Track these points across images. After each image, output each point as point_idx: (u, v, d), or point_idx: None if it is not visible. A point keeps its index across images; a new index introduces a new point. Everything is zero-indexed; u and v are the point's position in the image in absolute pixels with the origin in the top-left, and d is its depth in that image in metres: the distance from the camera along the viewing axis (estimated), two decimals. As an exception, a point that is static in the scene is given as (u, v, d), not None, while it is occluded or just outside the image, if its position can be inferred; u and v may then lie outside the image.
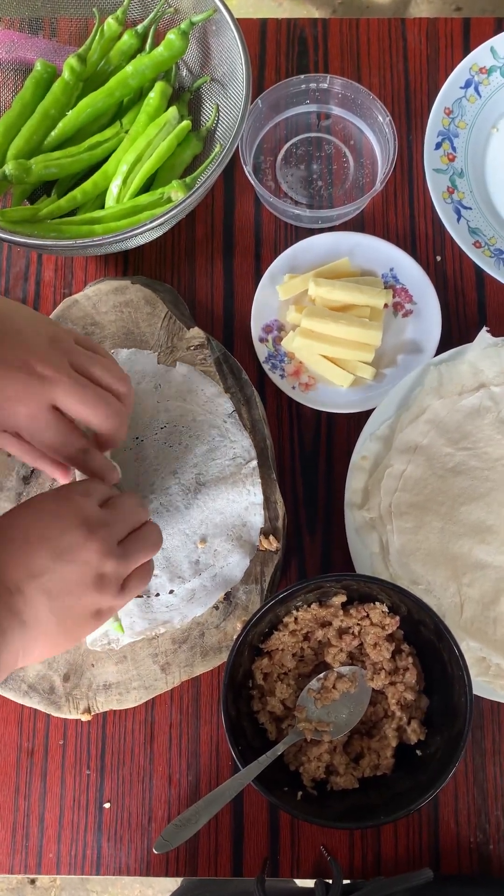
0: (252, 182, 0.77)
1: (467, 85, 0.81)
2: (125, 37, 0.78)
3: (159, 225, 0.69)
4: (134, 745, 0.70)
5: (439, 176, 0.79)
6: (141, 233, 0.69)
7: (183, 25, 0.76)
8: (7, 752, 0.70)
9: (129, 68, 0.77)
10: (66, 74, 0.76)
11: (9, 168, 0.74)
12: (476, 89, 0.82)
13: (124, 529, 0.57)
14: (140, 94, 0.80)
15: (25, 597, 0.51)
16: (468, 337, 0.76)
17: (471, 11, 1.83)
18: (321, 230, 0.80)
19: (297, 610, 0.66)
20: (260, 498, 0.70)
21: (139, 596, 0.68)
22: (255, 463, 0.70)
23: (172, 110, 0.76)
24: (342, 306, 0.76)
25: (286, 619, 0.65)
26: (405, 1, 1.85)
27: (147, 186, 0.78)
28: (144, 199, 0.75)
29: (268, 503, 0.70)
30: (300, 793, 0.63)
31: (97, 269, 0.80)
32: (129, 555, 0.56)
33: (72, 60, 0.75)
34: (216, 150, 0.74)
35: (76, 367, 0.58)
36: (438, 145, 0.80)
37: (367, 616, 0.65)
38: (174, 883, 0.94)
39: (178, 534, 0.69)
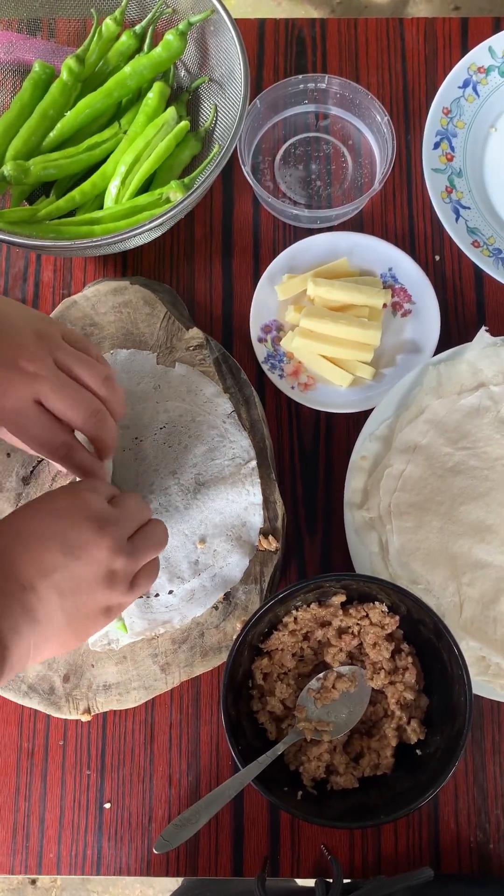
0: (250, 182, 0.77)
1: (465, 84, 0.81)
2: (123, 37, 0.78)
3: (158, 225, 0.69)
4: (134, 745, 0.70)
5: (438, 176, 0.79)
6: (140, 233, 0.69)
7: (181, 26, 0.76)
8: (7, 752, 0.70)
9: (127, 69, 0.77)
10: (64, 75, 0.76)
11: (7, 169, 0.74)
12: (474, 89, 0.82)
13: (132, 527, 0.57)
14: (138, 95, 0.80)
15: (38, 594, 0.51)
16: (467, 336, 0.76)
17: (469, 11, 1.83)
18: (320, 230, 0.81)
19: (297, 610, 0.66)
20: (259, 498, 0.70)
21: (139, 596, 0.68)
22: (254, 463, 0.71)
23: (171, 111, 0.76)
24: (341, 306, 0.76)
25: (286, 619, 0.66)
26: (404, 0, 1.85)
27: (146, 187, 0.78)
28: (143, 199, 0.75)
29: (267, 503, 0.70)
30: (300, 792, 0.63)
31: (96, 269, 0.80)
32: (137, 552, 0.56)
33: (70, 61, 0.75)
34: (214, 150, 0.74)
35: (60, 364, 0.58)
36: (437, 145, 0.80)
37: (367, 616, 0.65)
38: (175, 883, 0.94)
39: (177, 534, 0.70)
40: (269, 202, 0.79)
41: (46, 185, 0.79)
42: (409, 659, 0.65)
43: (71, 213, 0.77)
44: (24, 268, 0.81)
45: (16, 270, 0.80)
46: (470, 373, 0.73)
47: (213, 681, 0.71)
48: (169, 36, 0.76)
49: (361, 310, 0.76)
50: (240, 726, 0.62)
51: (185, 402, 0.72)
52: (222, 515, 0.70)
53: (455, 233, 0.77)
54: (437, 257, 0.80)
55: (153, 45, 0.78)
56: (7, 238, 0.68)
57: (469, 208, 0.79)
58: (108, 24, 0.77)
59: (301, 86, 0.81)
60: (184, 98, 0.80)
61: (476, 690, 0.66)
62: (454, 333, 0.78)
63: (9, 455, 0.71)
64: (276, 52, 0.86)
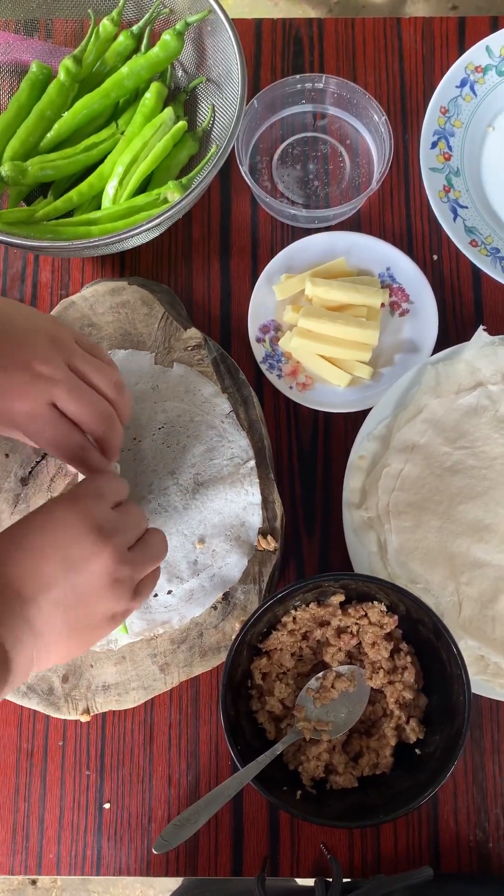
0: (248, 182, 0.77)
1: (463, 84, 0.81)
2: (120, 38, 0.78)
3: (156, 226, 0.69)
4: (133, 745, 0.70)
5: (435, 175, 0.79)
6: (137, 234, 0.69)
7: (178, 26, 0.76)
8: (7, 753, 0.70)
9: (124, 69, 0.77)
10: (61, 76, 0.76)
11: (5, 170, 0.74)
12: (472, 88, 0.82)
13: (134, 535, 0.57)
14: (136, 95, 0.80)
15: (39, 607, 0.51)
16: (465, 336, 0.76)
17: (466, 10, 1.83)
18: (318, 230, 0.81)
19: (296, 609, 0.66)
20: (258, 498, 0.70)
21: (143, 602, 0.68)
22: (252, 463, 0.71)
23: (168, 111, 0.76)
24: (339, 306, 0.76)
25: (284, 619, 0.66)
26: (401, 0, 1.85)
27: (143, 187, 0.78)
28: (141, 200, 0.75)
29: (266, 503, 0.70)
30: (299, 792, 0.63)
31: (94, 270, 0.80)
32: (139, 559, 0.56)
33: (67, 62, 0.75)
34: (212, 150, 0.74)
35: (73, 368, 0.59)
36: (434, 144, 0.80)
37: (366, 615, 0.65)
38: (175, 883, 0.94)
39: (176, 534, 0.70)
40: (267, 202, 0.79)
41: (44, 186, 0.79)
42: (408, 658, 0.65)
43: (69, 214, 0.77)
44: (22, 268, 0.81)
45: (14, 271, 0.81)
46: (468, 372, 0.73)
47: (213, 681, 0.71)
48: (166, 36, 0.76)
49: (359, 309, 0.76)
50: (239, 726, 0.62)
51: (183, 403, 0.72)
52: (221, 515, 0.70)
53: (453, 232, 0.77)
54: (435, 257, 0.80)
55: (150, 45, 0.78)
56: (5, 239, 0.68)
57: (467, 207, 0.79)
58: (106, 24, 0.77)
59: (298, 86, 0.81)
60: (181, 98, 0.80)
61: (475, 689, 0.66)
62: (452, 333, 0.78)
63: (7, 456, 0.71)
64: (274, 51, 0.86)
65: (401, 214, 0.81)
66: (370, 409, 0.73)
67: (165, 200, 0.74)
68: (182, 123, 0.77)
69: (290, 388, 0.75)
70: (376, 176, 0.78)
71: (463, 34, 0.86)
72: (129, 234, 0.69)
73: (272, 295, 0.77)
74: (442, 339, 0.76)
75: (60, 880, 1.52)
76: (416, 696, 0.65)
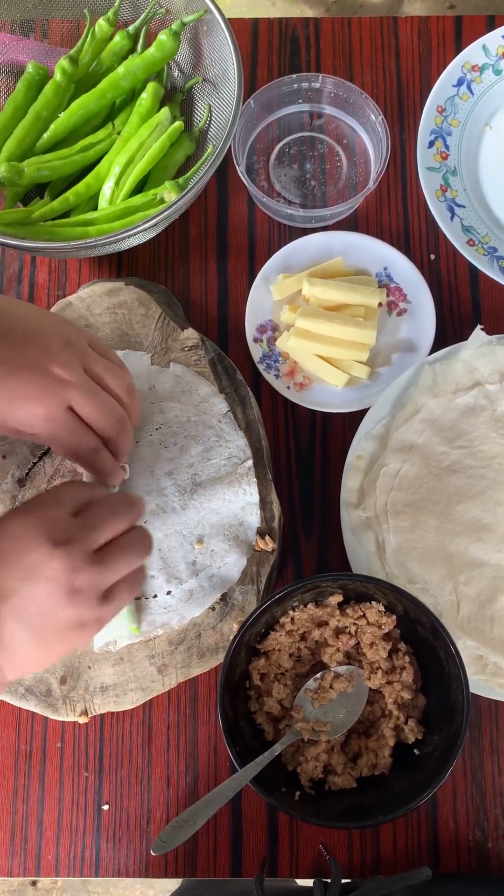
0: (245, 182, 0.77)
1: (460, 83, 0.81)
2: (116, 38, 0.78)
3: (152, 226, 0.69)
4: (132, 746, 0.70)
5: (432, 174, 0.79)
6: (134, 234, 0.69)
7: (174, 26, 0.76)
8: (5, 755, 0.70)
9: (120, 69, 0.77)
10: (57, 76, 0.76)
11: (1, 171, 0.73)
12: (468, 87, 0.82)
13: (101, 537, 0.55)
14: (132, 96, 0.80)
15: (0, 618, 0.51)
16: (462, 335, 0.76)
17: (464, 9, 1.83)
18: (315, 230, 0.80)
19: (294, 610, 0.66)
20: (256, 497, 0.70)
21: (136, 598, 0.68)
22: (250, 462, 0.70)
23: (164, 111, 0.76)
24: (336, 306, 0.76)
25: (283, 620, 0.65)
26: (398, -1, 1.85)
27: (140, 187, 0.77)
28: (137, 200, 0.75)
29: (263, 503, 0.70)
30: (298, 793, 0.63)
31: (91, 270, 0.80)
32: (107, 564, 0.54)
33: (63, 62, 0.75)
34: (209, 150, 0.74)
35: (88, 371, 0.59)
36: (431, 143, 0.80)
37: (364, 615, 0.65)
38: (175, 883, 0.94)
39: (174, 535, 0.69)
40: (264, 202, 0.79)
41: (40, 187, 0.79)
42: (407, 658, 0.65)
43: (65, 215, 0.77)
44: (19, 269, 0.81)
45: (10, 272, 0.80)
46: (465, 372, 0.73)
47: (211, 682, 0.71)
48: (162, 36, 0.76)
49: (357, 309, 0.76)
50: (237, 727, 0.62)
51: (180, 403, 0.72)
52: (219, 515, 0.70)
53: (450, 231, 0.77)
54: (433, 256, 0.80)
55: (146, 45, 0.78)
56: (1, 240, 0.68)
57: (464, 207, 0.79)
58: (102, 24, 0.77)
59: (295, 85, 0.81)
60: (178, 98, 0.80)
61: (473, 689, 0.66)
62: (449, 332, 0.78)
63: (4, 457, 0.71)
64: (270, 51, 0.85)
65: (398, 214, 0.81)
66: (368, 408, 0.73)
67: (162, 201, 0.74)
68: (178, 123, 0.77)
69: (288, 388, 0.75)
70: (373, 175, 0.78)
71: (460, 33, 0.86)
72: (126, 234, 0.68)
73: (269, 295, 0.77)
74: (439, 338, 0.76)
75: (60, 881, 1.52)
76: (415, 697, 0.65)
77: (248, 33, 0.86)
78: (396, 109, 0.84)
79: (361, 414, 0.74)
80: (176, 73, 0.82)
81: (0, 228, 0.73)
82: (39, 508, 0.55)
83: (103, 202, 0.76)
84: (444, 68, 0.81)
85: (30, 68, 0.77)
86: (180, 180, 0.74)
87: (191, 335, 0.74)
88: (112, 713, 0.70)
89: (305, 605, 0.66)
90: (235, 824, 0.69)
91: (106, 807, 0.69)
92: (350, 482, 0.72)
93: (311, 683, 0.65)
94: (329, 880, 0.63)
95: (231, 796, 0.60)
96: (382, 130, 0.78)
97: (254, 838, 0.69)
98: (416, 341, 0.76)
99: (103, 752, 0.70)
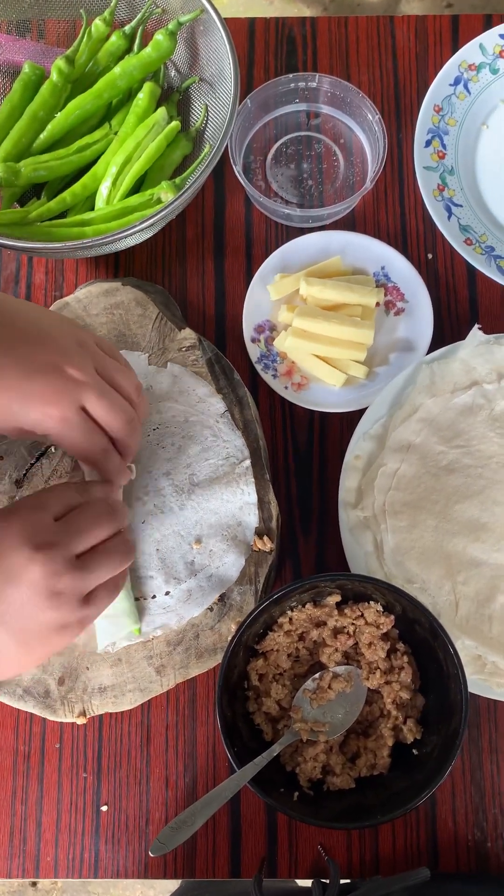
0: (242, 182, 0.77)
1: (456, 82, 0.81)
2: (113, 38, 0.78)
3: (149, 226, 0.69)
4: (130, 747, 0.70)
5: (429, 173, 0.79)
6: (131, 234, 0.69)
7: (170, 26, 0.76)
8: (3, 756, 0.70)
9: (117, 69, 0.77)
10: (54, 76, 0.76)
11: (-2, 171, 0.73)
12: (465, 86, 0.81)
13: (84, 542, 0.55)
14: (129, 96, 0.80)
15: None
16: (460, 335, 0.76)
17: (461, 8, 1.83)
18: (312, 229, 0.80)
19: (292, 610, 0.65)
20: (254, 497, 0.70)
21: (136, 599, 0.68)
22: (248, 462, 0.70)
23: (161, 111, 0.76)
24: (334, 305, 0.76)
25: (281, 620, 0.65)
26: (396, -2, 1.85)
27: (137, 188, 0.77)
28: (134, 200, 0.75)
29: (261, 504, 0.70)
30: (297, 793, 0.62)
31: (88, 271, 0.80)
32: (89, 568, 0.54)
33: (60, 62, 0.75)
34: (205, 150, 0.74)
35: (99, 371, 0.59)
36: (428, 143, 0.80)
37: (362, 615, 0.65)
38: (176, 884, 0.94)
39: (172, 535, 0.69)
40: (261, 202, 0.79)
41: (37, 187, 0.79)
42: (405, 658, 0.65)
43: (62, 215, 0.77)
44: (16, 270, 0.80)
45: (8, 273, 0.80)
46: (463, 371, 0.73)
47: (209, 682, 0.71)
48: (159, 36, 0.76)
49: (354, 309, 0.75)
50: (236, 728, 0.62)
51: (177, 403, 0.72)
52: (217, 515, 0.70)
53: (447, 231, 0.77)
54: (430, 255, 0.80)
55: (143, 45, 0.78)
56: (-2, 240, 0.68)
57: (461, 206, 0.79)
58: (98, 24, 0.77)
59: (292, 85, 0.81)
60: (174, 98, 0.80)
61: (472, 689, 0.66)
62: (447, 331, 0.78)
63: (1, 458, 0.71)
64: (267, 51, 0.85)
65: (395, 213, 0.81)
66: (366, 408, 0.73)
67: (159, 201, 0.74)
68: (175, 123, 0.77)
69: (286, 388, 0.75)
70: (370, 175, 0.78)
71: (456, 32, 0.86)
72: (123, 234, 0.68)
73: (267, 295, 0.77)
74: (437, 337, 0.76)
75: (60, 882, 1.52)
76: (413, 697, 0.65)
77: (245, 33, 0.85)
78: (393, 109, 0.84)
79: (359, 414, 0.74)
80: (172, 72, 0.81)
81: (-3, 229, 0.73)
82: (22, 512, 0.55)
83: (100, 202, 0.76)
84: (441, 67, 0.81)
85: (26, 68, 0.77)
86: (177, 180, 0.74)
87: (188, 335, 0.74)
88: (110, 714, 0.70)
89: (304, 606, 0.66)
90: (234, 825, 0.69)
91: (105, 808, 0.69)
92: (348, 482, 0.71)
93: (309, 684, 0.65)
94: (328, 881, 0.63)
95: (229, 797, 0.59)
96: (379, 130, 0.78)
97: (253, 839, 0.69)
98: (413, 341, 0.76)
99: (102, 753, 0.70)
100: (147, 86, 0.77)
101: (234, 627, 0.68)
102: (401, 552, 0.70)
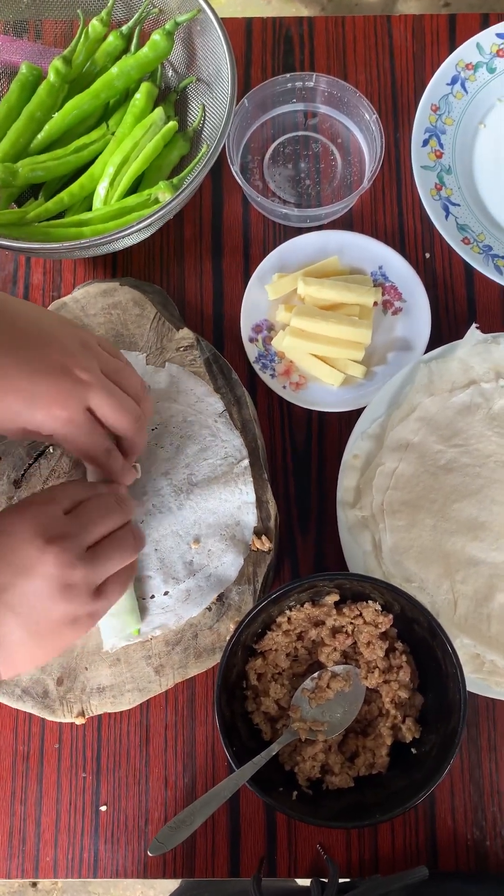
0: (239, 182, 0.77)
1: (454, 81, 0.81)
2: (110, 38, 0.78)
3: (147, 226, 0.69)
4: (129, 747, 0.70)
5: (427, 173, 0.79)
6: (129, 234, 0.69)
7: (167, 26, 0.76)
8: (2, 756, 0.70)
9: (114, 70, 0.77)
10: (51, 77, 0.76)
11: (-5, 171, 0.73)
12: (462, 85, 0.81)
13: (94, 534, 0.56)
14: (126, 96, 0.80)
15: None
16: (458, 334, 0.76)
17: (458, 7, 1.83)
18: (309, 229, 0.80)
19: (291, 609, 0.66)
20: (252, 497, 0.70)
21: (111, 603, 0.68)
22: (246, 462, 0.70)
23: (158, 111, 0.76)
24: (331, 305, 0.76)
25: (279, 619, 0.65)
26: (393, -3, 1.85)
27: (134, 188, 0.77)
28: (132, 200, 0.75)
29: (260, 503, 0.70)
30: (295, 792, 0.62)
31: (86, 271, 0.80)
32: (100, 560, 0.55)
33: (57, 62, 0.75)
34: (203, 150, 0.74)
35: (104, 371, 0.59)
36: (426, 142, 0.80)
37: (361, 615, 0.65)
38: (176, 883, 0.94)
39: (171, 535, 0.69)
40: (259, 201, 0.79)
41: (35, 188, 0.79)
42: (404, 657, 0.65)
43: (60, 215, 0.77)
44: (14, 270, 0.80)
45: (5, 273, 0.80)
46: (461, 370, 0.73)
47: (208, 682, 0.71)
48: (156, 36, 0.76)
49: (352, 308, 0.75)
50: (234, 727, 0.62)
51: (176, 403, 0.72)
52: (216, 515, 0.70)
53: (445, 230, 0.77)
54: (427, 255, 0.80)
55: (140, 45, 0.78)
56: (-5, 241, 0.68)
57: (459, 205, 0.79)
58: (95, 24, 0.77)
59: (289, 84, 0.81)
60: (171, 98, 0.80)
61: (471, 688, 0.66)
62: (445, 331, 0.78)
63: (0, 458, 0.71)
64: (264, 50, 0.85)
65: (393, 213, 0.81)
66: (364, 407, 0.73)
67: (156, 201, 0.74)
68: (172, 123, 0.77)
69: (284, 387, 0.75)
70: (368, 174, 0.78)
71: (454, 31, 0.86)
72: (121, 234, 0.68)
73: (265, 294, 0.77)
74: (435, 337, 0.76)
75: (60, 882, 1.52)
76: (412, 696, 0.65)
77: (242, 33, 0.86)
78: (390, 108, 0.84)
79: (357, 413, 0.74)
80: (170, 72, 0.81)
81: (-6, 229, 0.73)
82: (33, 506, 0.55)
83: (98, 203, 0.76)
84: (439, 66, 0.81)
85: (23, 69, 0.77)
86: (175, 180, 0.74)
87: (186, 335, 0.74)
88: (109, 714, 0.70)
89: (302, 605, 0.66)
90: (233, 824, 0.69)
91: (104, 808, 0.69)
92: (346, 481, 0.72)
93: (308, 683, 0.65)
94: (326, 880, 0.63)
95: (228, 796, 0.59)
96: (377, 129, 0.78)
97: (252, 838, 0.69)
98: (411, 340, 0.76)
99: (101, 753, 0.70)
100: (144, 86, 0.77)
101: (232, 627, 0.68)
102: (399, 551, 0.70)
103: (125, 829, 0.69)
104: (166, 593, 0.68)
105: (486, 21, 0.86)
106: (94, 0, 0.79)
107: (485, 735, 0.70)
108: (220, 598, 0.68)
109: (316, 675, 0.65)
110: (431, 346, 0.75)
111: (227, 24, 0.76)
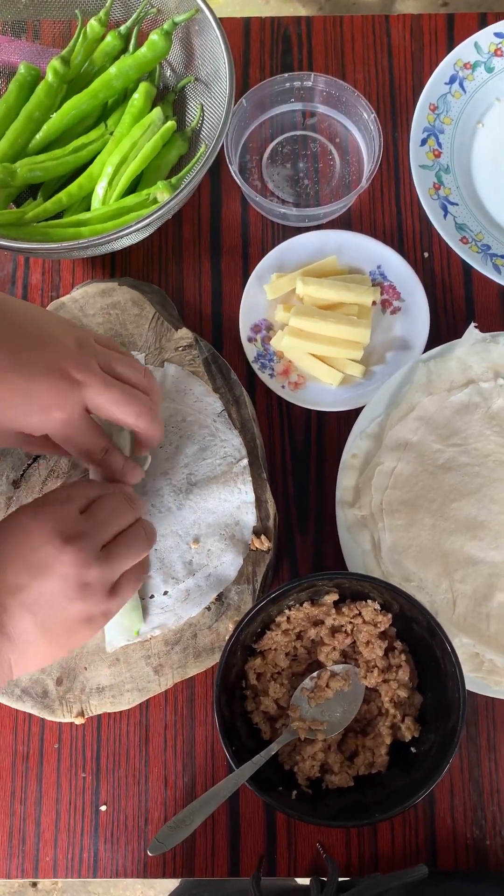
0: (238, 181, 0.77)
1: (452, 81, 0.81)
2: (108, 38, 0.78)
3: (146, 226, 0.69)
4: (129, 747, 0.70)
5: (425, 172, 0.79)
6: (127, 234, 0.69)
7: (166, 26, 0.76)
8: (2, 756, 0.70)
9: (112, 70, 0.77)
10: (49, 77, 0.76)
11: (-6, 172, 0.73)
12: (461, 85, 0.82)
13: (108, 532, 0.56)
14: (124, 96, 0.80)
15: (9, 612, 0.52)
16: (456, 333, 0.76)
17: (457, 6, 1.82)
18: (308, 229, 0.80)
19: (290, 609, 0.66)
20: (251, 496, 0.70)
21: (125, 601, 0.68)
22: (245, 461, 0.70)
23: (157, 111, 0.76)
24: (330, 304, 0.76)
25: (278, 619, 0.65)
26: (392, -3, 1.85)
27: (133, 188, 0.77)
28: (130, 200, 0.75)
29: (259, 502, 0.70)
30: (295, 792, 0.63)
31: (84, 271, 0.80)
32: (114, 558, 0.55)
33: (55, 62, 0.75)
34: (201, 150, 0.74)
35: (103, 367, 0.59)
36: (424, 141, 0.80)
37: (360, 614, 0.65)
38: (176, 883, 0.94)
39: (170, 535, 0.69)
40: (257, 201, 0.79)
41: (33, 188, 0.79)
42: (403, 657, 0.65)
43: (58, 215, 0.77)
44: (13, 271, 0.80)
45: (4, 273, 0.80)
46: (460, 369, 0.73)
47: (208, 681, 0.71)
48: (154, 36, 0.76)
49: (351, 308, 0.76)
50: (234, 727, 0.62)
51: (174, 403, 0.72)
52: (215, 515, 0.70)
53: (443, 229, 0.77)
54: (426, 254, 0.80)
55: (138, 45, 0.78)
56: (-6, 241, 0.68)
57: (457, 204, 0.79)
58: (93, 24, 0.77)
59: (287, 84, 0.81)
60: (170, 98, 0.80)
61: (470, 687, 0.66)
62: (443, 330, 0.78)
63: (-1, 458, 0.71)
64: (262, 50, 0.85)
65: (391, 212, 0.81)
66: (362, 407, 0.73)
67: (155, 200, 0.74)
68: (171, 123, 0.77)
69: (283, 387, 0.75)
70: (366, 174, 0.78)
71: (452, 31, 0.86)
72: (119, 234, 0.68)
73: (263, 294, 0.77)
74: (433, 336, 0.76)
75: (60, 882, 1.52)
76: (411, 695, 0.65)
77: (240, 32, 0.86)
78: (389, 107, 0.84)
79: (356, 412, 0.74)
80: (168, 72, 0.81)
81: (-7, 230, 0.73)
82: (50, 505, 0.56)
83: (96, 203, 0.76)
84: (437, 66, 0.81)
85: (21, 69, 0.77)
86: (173, 180, 0.74)
87: (185, 335, 0.74)
88: (109, 714, 0.70)
89: (301, 604, 0.66)
90: (233, 824, 0.69)
91: (103, 807, 0.69)
92: (345, 481, 0.72)
93: (307, 682, 0.65)
94: (325, 879, 0.63)
95: (228, 796, 0.60)
96: (375, 129, 0.78)
97: (251, 838, 0.69)
98: (410, 339, 0.76)
99: (100, 753, 0.70)
100: (143, 86, 0.77)
101: (231, 627, 0.68)
102: (398, 551, 0.70)
103: (125, 829, 0.69)
104: (166, 593, 0.68)
105: (484, 20, 0.86)
106: (93, 0, 0.79)
107: (484, 734, 0.70)
108: (220, 597, 0.68)
109: (315, 674, 0.65)
110: (430, 345, 0.75)
111: (225, 23, 0.76)
